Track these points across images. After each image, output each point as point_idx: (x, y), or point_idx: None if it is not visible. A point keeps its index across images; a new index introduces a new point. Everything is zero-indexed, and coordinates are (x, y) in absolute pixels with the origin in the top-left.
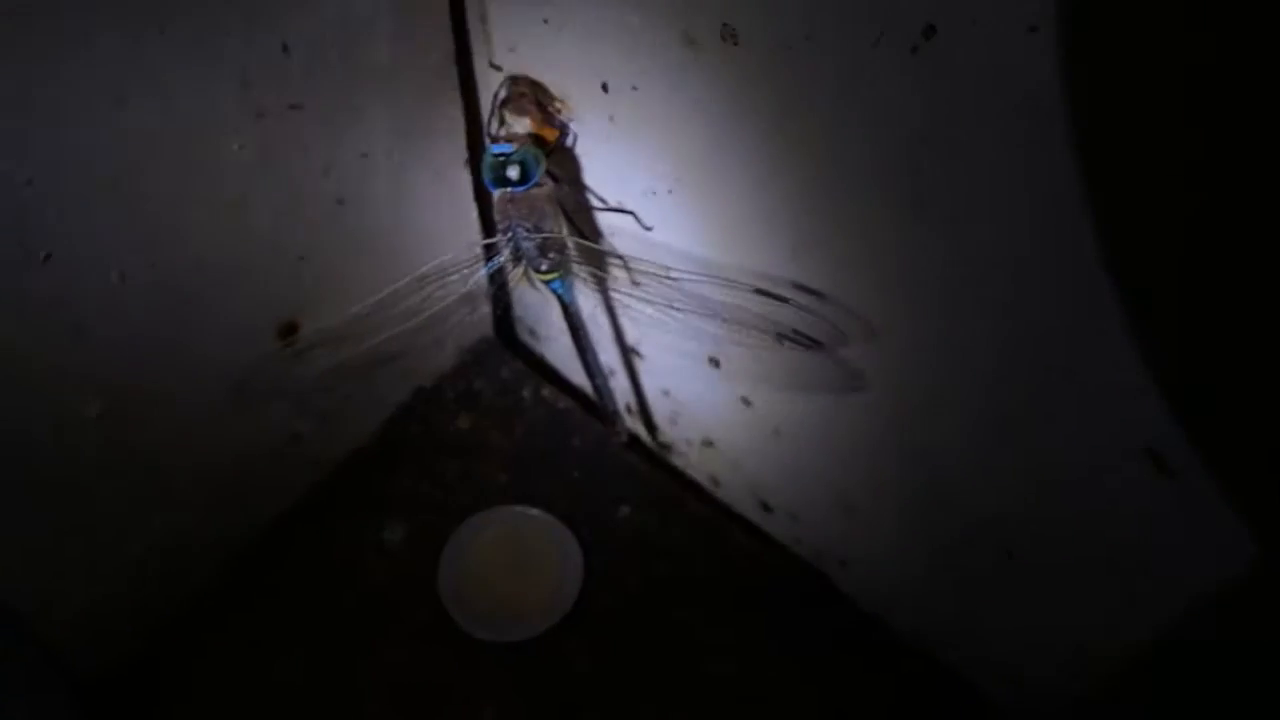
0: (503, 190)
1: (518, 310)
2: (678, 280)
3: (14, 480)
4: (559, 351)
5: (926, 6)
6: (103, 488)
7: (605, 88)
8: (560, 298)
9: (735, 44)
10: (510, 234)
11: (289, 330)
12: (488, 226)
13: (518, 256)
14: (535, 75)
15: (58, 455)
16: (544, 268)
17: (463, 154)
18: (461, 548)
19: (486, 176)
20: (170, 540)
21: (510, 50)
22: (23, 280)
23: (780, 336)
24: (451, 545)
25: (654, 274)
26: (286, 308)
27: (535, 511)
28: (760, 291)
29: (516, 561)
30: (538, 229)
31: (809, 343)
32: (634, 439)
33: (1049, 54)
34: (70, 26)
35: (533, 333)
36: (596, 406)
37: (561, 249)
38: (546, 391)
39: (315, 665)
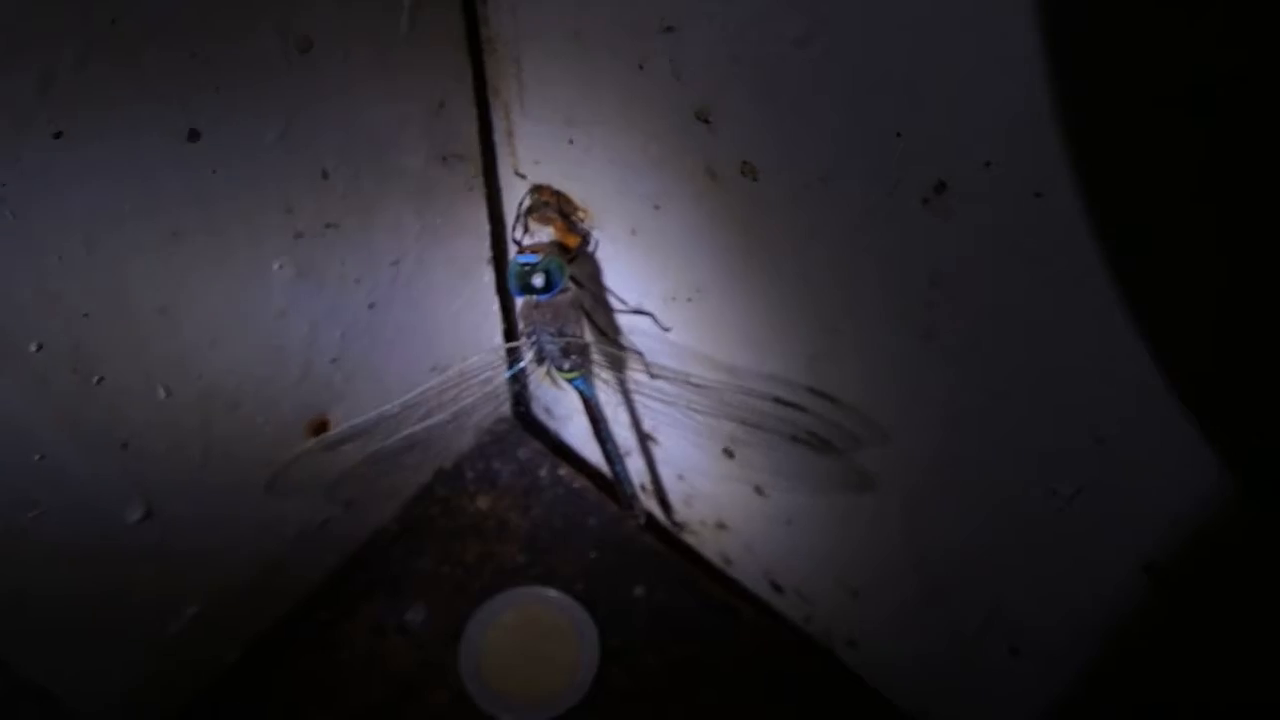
0: (528, 297)
1: (533, 389)
2: (697, 372)
3: (56, 576)
4: (575, 431)
5: (939, 164)
6: (139, 583)
7: (628, 204)
8: (582, 393)
9: (755, 180)
10: (534, 337)
11: (320, 428)
12: (510, 319)
13: (541, 358)
14: (558, 186)
15: (99, 556)
16: (566, 368)
17: (487, 253)
18: (482, 630)
19: (512, 285)
20: (199, 627)
21: (535, 163)
22: (78, 402)
23: (795, 439)
24: (472, 627)
25: (675, 363)
26: (319, 406)
27: (553, 593)
28: (778, 400)
29: (535, 643)
30: (561, 333)
31: (823, 446)
32: (649, 519)
33: (1053, 218)
34: (130, 170)
35: (549, 411)
36: (614, 488)
37: (584, 351)
38: (563, 471)
39: None
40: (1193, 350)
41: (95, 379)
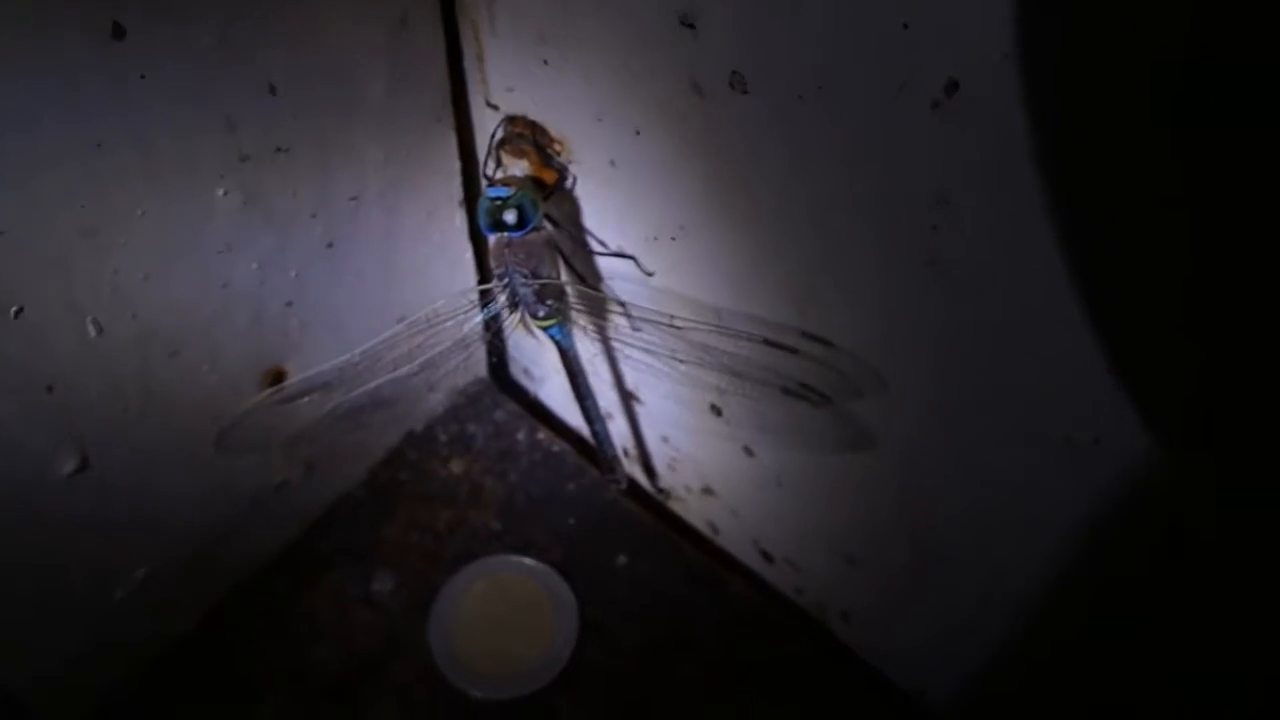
0: (499, 235)
1: (512, 350)
2: (682, 329)
3: None
4: (554, 392)
5: (950, 60)
6: (81, 542)
7: (607, 132)
8: (559, 344)
9: (745, 93)
10: (507, 280)
11: (276, 378)
12: (483, 268)
13: (514, 303)
14: (533, 116)
15: (28, 511)
16: (541, 314)
17: (458, 193)
18: (453, 600)
19: (482, 221)
20: (150, 592)
21: (508, 90)
22: None
23: (786, 390)
24: (443, 598)
25: (657, 322)
26: (273, 355)
27: (530, 562)
28: (768, 342)
29: (510, 615)
30: (535, 275)
31: (817, 398)
32: (632, 484)
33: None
34: (45, 69)
35: (527, 373)
36: (594, 452)
37: (560, 295)
38: (541, 435)
39: None
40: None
41: (13, 310)
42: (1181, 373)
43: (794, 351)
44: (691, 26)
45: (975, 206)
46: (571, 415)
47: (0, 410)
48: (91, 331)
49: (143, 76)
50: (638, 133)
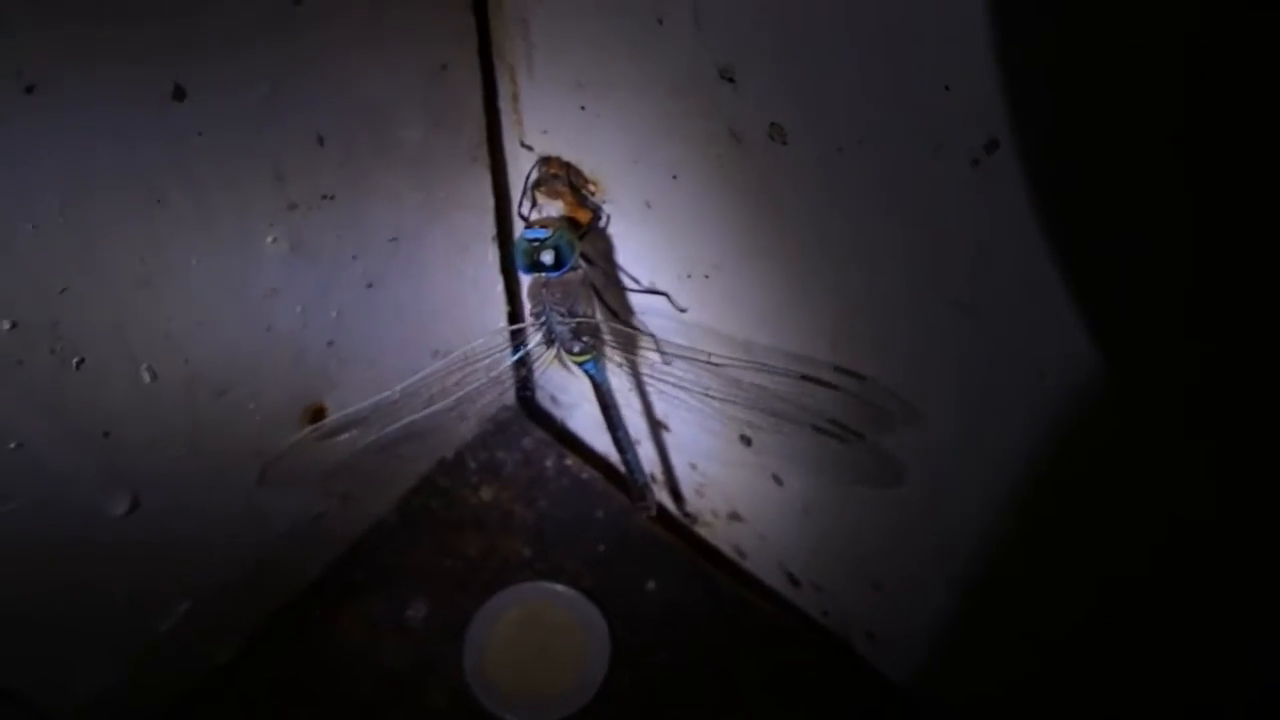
0: (536, 275)
1: (539, 378)
2: (714, 354)
3: (35, 573)
4: (582, 420)
5: (990, 121)
6: (128, 578)
7: (642, 174)
8: (592, 378)
9: (784, 143)
10: (543, 318)
11: (316, 415)
12: (514, 301)
13: (550, 340)
14: (568, 157)
15: (82, 551)
16: (577, 350)
17: (491, 230)
18: (485, 627)
19: (520, 262)
20: (192, 623)
21: (543, 132)
22: (56, 390)
23: (817, 428)
24: (475, 624)
25: (692, 359)
26: (314, 393)
27: (561, 588)
28: (805, 378)
29: (542, 640)
30: (572, 313)
31: (848, 434)
32: (660, 510)
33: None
34: (115, 126)
35: (555, 400)
36: (623, 478)
37: (595, 332)
38: (570, 461)
39: None
40: None
41: (75, 361)
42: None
43: (832, 387)
44: (731, 80)
45: (1012, 255)
46: (599, 442)
47: (60, 456)
48: (146, 378)
49: (200, 134)
50: (674, 176)
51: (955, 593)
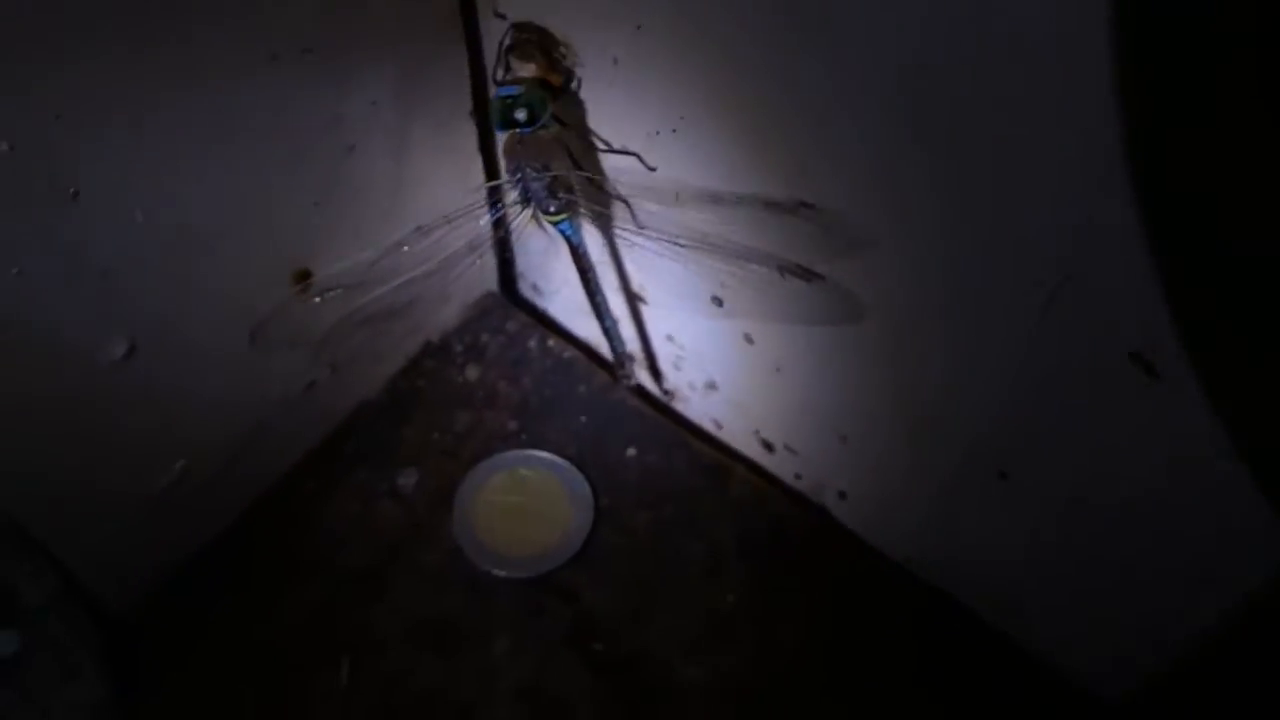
0: (511, 132)
1: (520, 266)
2: (684, 209)
3: (43, 420)
4: (562, 305)
5: None
6: (127, 428)
7: (609, 30)
8: (568, 239)
9: None
10: (519, 175)
11: (303, 277)
12: (491, 175)
13: (526, 199)
14: (540, 21)
15: (85, 396)
16: (552, 209)
17: (468, 105)
18: (474, 490)
19: (494, 119)
20: (189, 484)
21: None
22: (54, 218)
23: (782, 269)
24: (464, 488)
25: (662, 204)
26: (300, 254)
27: (545, 454)
28: (770, 204)
29: (528, 502)
30: (546, 169)
31: (810, 275)
32: (639, 388)
33: None
34: None
35: (535, 288)
36: (608, 350)
37: (569, 189)
38: (552, 342)
39: (331, 605)
40: None
41: (71, 192)
42: None
43: (794, 210)
44: None
45: (969, 86)
46: (579, 326)
47: (59, 293)
48: (139, 218)
49: None
50: (638, 27)
51: (914, 439)
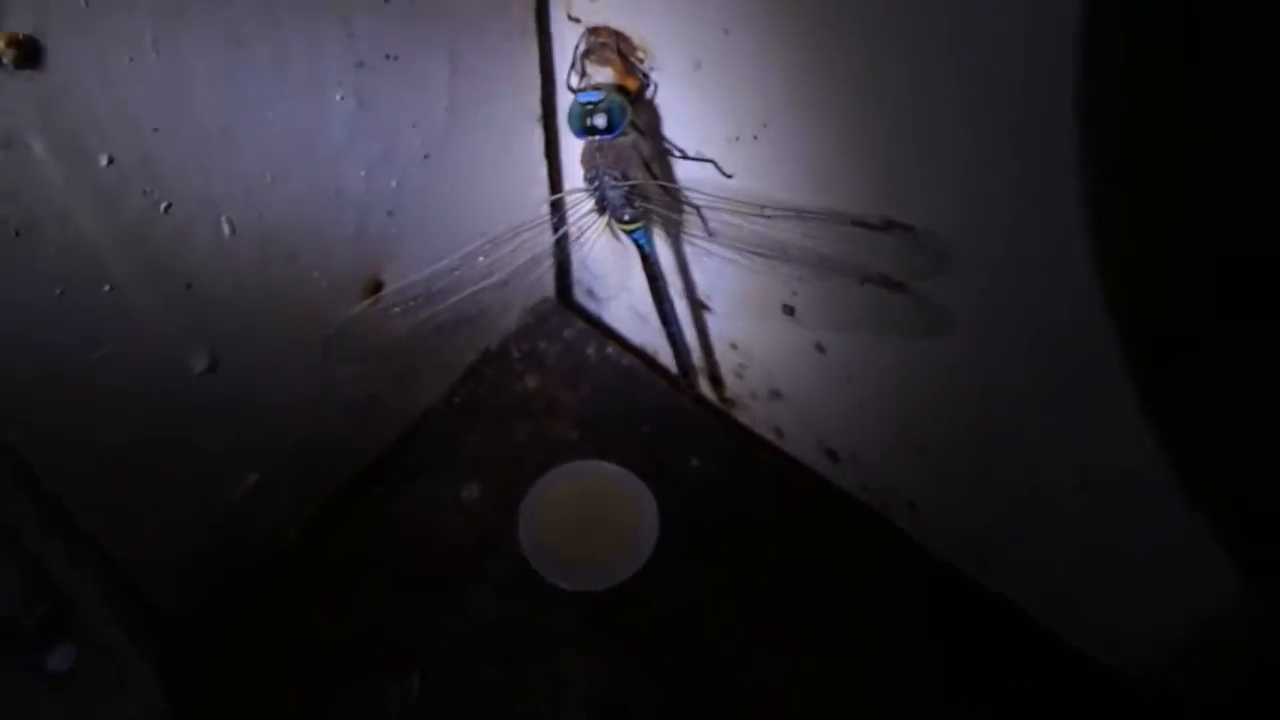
0: (590, 139)
1: (575, 273)
2: (770, 219)
3: (124, 424)
4: (619, 312)
5: None
6: (204, 440)
7: (692, 33)
8: (641, 249)
9: None
10: (597, 183)
11: (374, 289)
12: (555, 185)
13: (602, 206)
14: (616, 24)
15: (166, 407)
16: (628, 217)
17: (537, 110)
18: (538, 502)
19: (573, 125)
20: (261, 493)
21: (591, 2)
22: (146, 231)
23: (864, 280)
24: (529, 499)
25: (746, 214)
26: (373, 265)
27: (609, 465)
28: (857, 223)
29: (593, 513)
30: (625, 176)
31: (894, 285)
32: (700, 398)
33: None
34: None
35: (591, 293)
36: (668, 357)
37: (646, 197)
38: (610, 350)
39: (398, 614)
40: None
41: (164, 205)
42: None
43: (882, 230)
44: None
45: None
46: (636, 333)
47: (147, 304)
48: (226, 231)
49: None
50: (726, 31)
51: (998, 449)
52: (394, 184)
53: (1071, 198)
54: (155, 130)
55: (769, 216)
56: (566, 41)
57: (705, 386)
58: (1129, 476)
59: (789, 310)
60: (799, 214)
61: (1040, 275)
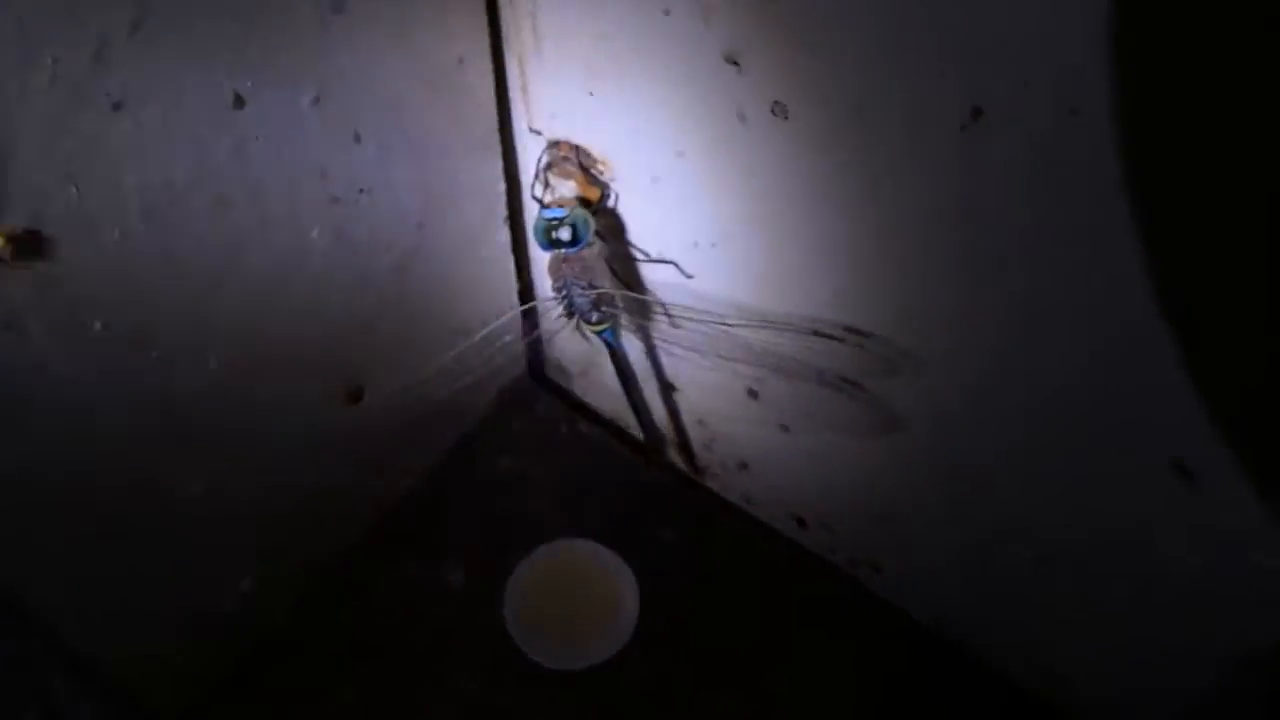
0: (556, 252)
1: (546, 350)
2: (723, 321)
3: (114, 555)
4: (589, 387)
5: (973, 90)
6: (200, 555)
7: (650, 153)
8: (609, 345)
9: (785, 119)
10: (565, 292)
11: (357, 396)
12: (523, 277)
13: (570, 311)
14: (576, 139)
15: (165, 522)
16: (594, 320)
17: (503, 212)
18: (522, 581)
19: (539, 240)
20: (254, 596)
21: (551, 117)
22: (135, 365)
23: (822, 382)
24: (513, 581)
25: (707, 322)
26: (355, 374)
27: (589, 543)
28: (818, 333)
29: (577, 592)
30: (592, 285)
31: (854, 389)
32: (671, 467)
33: (1089, 136)
34: (187, 136)
35: (562, 370)
36: (632, 437)
37: (611, 302)
38: (582, 426)
39: (385, 697)
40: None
41: (154, 355)
42: None
43: (840, 340)
44: (736, 64)
45: (999, 212)
46: (605, 405)
47: (140, 438)
48: (212, 364)
49: (257, 139)
50: (680, 154)
51: (956, 518)
52: (371, 300)
53: (1019, 299)
54: (146, 292)
55: (731, 325)
56: (529, 149)
57: (676, 456)
58: (1093, 551)
59: (753, 394)
60: (754, 312)
61: (998, 376)
